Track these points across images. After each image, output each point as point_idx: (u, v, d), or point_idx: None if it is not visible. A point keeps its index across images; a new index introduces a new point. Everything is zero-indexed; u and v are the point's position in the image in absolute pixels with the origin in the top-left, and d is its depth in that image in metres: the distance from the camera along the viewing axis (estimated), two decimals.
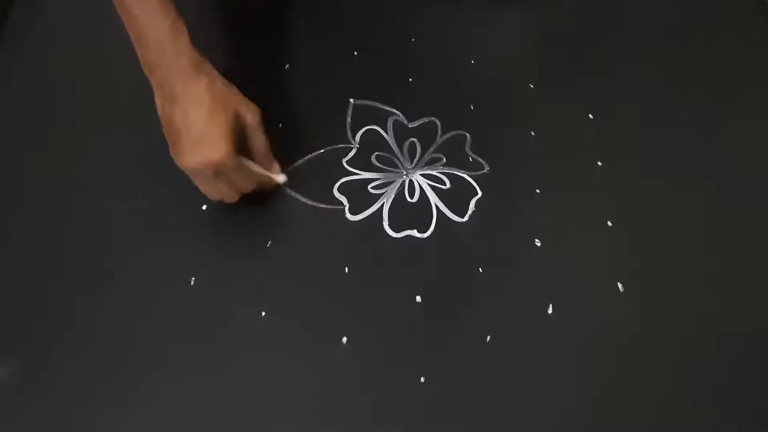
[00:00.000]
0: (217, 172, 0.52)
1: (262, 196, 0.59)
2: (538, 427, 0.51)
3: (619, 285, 0.57)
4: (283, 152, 0.61)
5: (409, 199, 0.61)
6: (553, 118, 0.66)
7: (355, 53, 0.70)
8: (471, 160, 0.64)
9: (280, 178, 0.58)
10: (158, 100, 0.53)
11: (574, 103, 0.67)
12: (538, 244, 0.59)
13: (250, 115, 0.54)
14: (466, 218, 0.60)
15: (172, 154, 0.53)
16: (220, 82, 0.54)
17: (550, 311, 0.55)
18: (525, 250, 0.58)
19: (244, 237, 0.59)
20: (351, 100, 0.67)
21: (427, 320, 0.55)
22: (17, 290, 0.57)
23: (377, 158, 0.64)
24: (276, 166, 0.58)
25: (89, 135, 0.65)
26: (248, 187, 0.55)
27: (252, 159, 0.55)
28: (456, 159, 0.64)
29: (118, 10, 0.53)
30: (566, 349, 0.54)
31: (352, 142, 0.65)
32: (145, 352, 0.53)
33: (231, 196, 0.55)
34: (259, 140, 0.55)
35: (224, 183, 0.53)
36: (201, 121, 0.51)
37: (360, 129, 0.65)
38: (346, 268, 0.57)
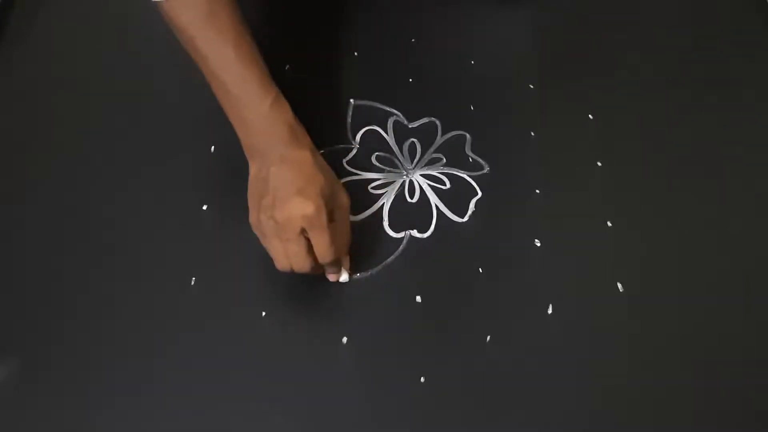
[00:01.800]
0: (303, 229, 0.50)
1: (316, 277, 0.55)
2: (538, 427, 0.51)
3: (619, 285, 0.57)
4: None
5: (409, 199, 0.61)
6: (553, 118, 0.66)
7: (355, 53, 0.70)
8: (471, 160, 0.64)
9: (344, 276, 0.56)
10: (254, 167, 0.53)
11: (574, 103, 0.67)
12: (538, 244, 0.59)
13: (345, 197, 0.53)
14: (466, 218, 0.60)
15: (252, 219, 0.52)
16: (321, 158, 0.54)
17: (550, 311, 0.55)
18: (525, 250, 0.58)
19: (244, 237, 0.59)
20: (351, 100, 0.67)
21: (427, 320, 0.55)
22: (17, 290, 0.57)
23: (377, 158, 0.64)
24: (347, 262, 0.56)
25: (89, 135, 0.65)
26: (326, 255, 0.51)
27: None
28: (456, 159, 0.64)
29: (213, 88, 0.53)
30: (566, 349, 0.54)
31: (352, 142, 0.65)
32: (145, 352, 0.53)
33: (303, 263, 0.51)
34: (344, 224, 0.54)
35: (302, 245, 0.50)
36: (300, 179, 0.50)
37: (360, 129, 0.65)
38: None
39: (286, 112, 0.53)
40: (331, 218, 0.51)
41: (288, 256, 0.51)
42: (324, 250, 0.51)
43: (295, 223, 0.49)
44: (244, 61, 0.51)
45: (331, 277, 0.55)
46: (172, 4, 0.51)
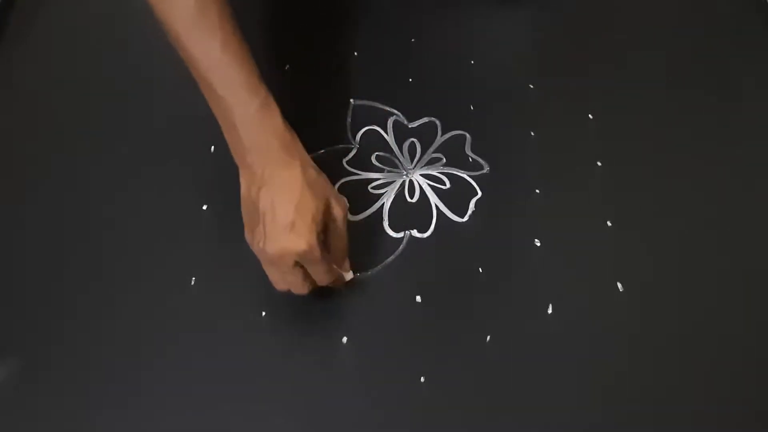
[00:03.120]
0: (296, 262, 0.49)
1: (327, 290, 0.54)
2: (538, 427, 0.51)
3: (619, 285, 0.57)
4: None
5: (409, 199, 0.61)
6: (553, 118, 0.66)
7: (355, 53, 0.70)
8: (471, 160, 0.64)
9: (349, 275, 0.54)
10: (244, 182, 0.50)
11: (574, 103, 0.67)
12: (538, 244, 0.59)
13: (339, 209, 0.51)
14: (466, 218, 0.60)
15: (248, 237, 0.51)
16: (312, 169, 0.51)
17: (550, 311, 0.55)
18: (525, 250, 0.58)
19: (244, 237, 0.59)
20: (351, 100, 0.67)
21: (427, 320, 0.55)
22: (17, 290, 0.57)
23: (377, 158, 0.64)
24: (347, 263, 0.54)
25: (89, 135, 0.65)
26: (323, 281, 0.51)
27: (328, 251, 0.51)
28: (456, 159, 0.64)
29: (202, 89, 0.51)
30: (566, 349, 0.54)
31: (352, 142, 0.65)
32: (145, 352, 0.53)
33: (301, 288, 0.51)
34: (340, 235, 0.52)
35: (298, 275, 0.50)
36: (290, 209, 0.48)
37: (360, 129, 0.65)
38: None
39: (275, 117, 0.51)
40: (326, 234, 0.50)
41: (281, 282, 0.51)
42: (321, 278, 0.51)
43: (288, 260, 0.48)
44: (232, 63, 0.50)
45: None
46: (161, 4, 0.50)
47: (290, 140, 0.51)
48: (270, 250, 0.48)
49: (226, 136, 0.52)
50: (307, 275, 0.50)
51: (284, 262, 0.48)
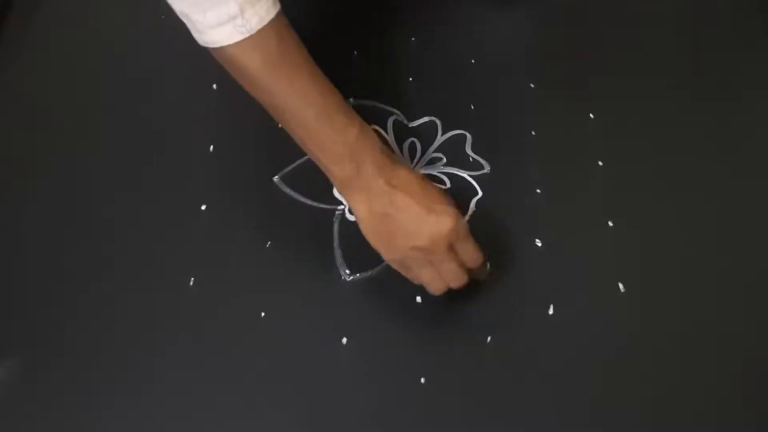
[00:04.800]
0: (450, 243, 0.49)
1: None
2: (538, 427, 0.51)
3: (620, 285, 0.57)
4: (284, 152, 0.61)
5: None
6: (553, 118, 0.66)
7: (355, 53, 0.70)
8: (471, 159, 0.64)
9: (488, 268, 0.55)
10: (361, 204, 0.50)
11: (574, 103, 0.67)
12: (539, 244, 0.59)
13: (454, 200, 0.52)
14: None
15: (387, 255, 0.51)
16: (415, 171, 0.52)
17: (550, 311, 0.55)
18: (525, 250, 0.58)
19: (244, 237, 0.59)
20: (351, 100, 0.67)
21: (427, 320, 0.55)
22: (17, 290, 0.57)
23: None
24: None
25: (89, 135, 0.65)
26: (476, 259, 0.51)
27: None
28: (456, 159, 0.64)
29: (293, 131, 0.51)
30: (566, 349, 0.54)
31: None
32: (145, 352, 0.53)
33: (461, 276, 0.51)
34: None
35: (454, 260, 0.49)
36: (421, 199, 0.49)
37: None
38: (346, 269, 0.57)
39: (372, 135, 0.51)
40: None
41: (443, 278, 0.51)
42: (475, 255, 0.51)
43: (441, 244, 0.48)
44: (324, 94, 0.49)
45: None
46: (240, 49, 0.47)
47: (389, 151, 0.52)
48: (420, 243, 0.48)
49: (330, 170, 0.51)
50: (461, 262, 0.50)
51: (438, 250, 0.48)
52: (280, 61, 0.48)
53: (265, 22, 0.46)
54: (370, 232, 0.51)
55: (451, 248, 0.49)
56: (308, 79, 0.49)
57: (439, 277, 0.51)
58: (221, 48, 0.47)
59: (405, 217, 0.49)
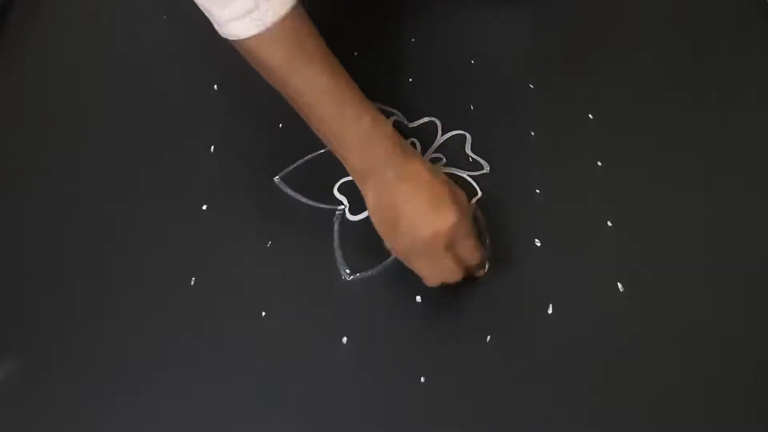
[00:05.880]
0: (450, 241, 0.50)
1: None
2: (537, 427, 0.51)
3: (619, 285, 0.57)
4: (283, 152, 0.61)
5: None
6: (553, 118, 0.66)
7: (355, 53, 0.70)
8: (471, 160, 0.64)
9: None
10: (371, 194, 0.52)
11: (574, 103, 0.67)
12: (538, 244, 0.59)
13: (462, 194, 0.53)
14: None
15: (390, 243, 0.52)
16: (428, 162, 0.53)
17: (550, 311, 0.55)
18: (525, 250, 0.58)
19: (244, 237, 0.59)
20: None
21: (427, 320, 0.55)
22: (17, 290, 0.57)
23: None
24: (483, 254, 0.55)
25: (89, 135, 0.65)
26: (474, 257, 0.52)
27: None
28: (456, 159, 0.64)
29: (309, 119, 0.52)
30: (566, 348, 0.54)
31: None
32: (145, 352, 0.53)
33: (456, 273, 0.52)
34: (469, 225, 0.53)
35: (451, 258, 0.50)
36: (427, 194, 0.50)
37: None
38: (347, 269, 0.57)
39: (386, 126, 0.52)
40: None
41: (439, 273, 0.52)
42: (474, 254, 0.52)
43: (440, 240, 0.49)
44: (341, 86, 0.51)
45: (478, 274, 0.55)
46: (258, 42, 0.48)
47: (404, 143, 0.53)
48: (420, 236, 0.49)
49: (345, 157, 0.52)
50: (458, 260, 0.51)
51: (437, 246, 0.49)
52: (296, 54, 0.49)
53: (279, 16, 0.47)
54: (376, 220, 0.52)
55: (451, 245, 0.50)
56: (324, 71, 0.50)
57: (435, 272, 0.52)
58: (240, 41, 0.49)
59: (409, 210, 0.50)
